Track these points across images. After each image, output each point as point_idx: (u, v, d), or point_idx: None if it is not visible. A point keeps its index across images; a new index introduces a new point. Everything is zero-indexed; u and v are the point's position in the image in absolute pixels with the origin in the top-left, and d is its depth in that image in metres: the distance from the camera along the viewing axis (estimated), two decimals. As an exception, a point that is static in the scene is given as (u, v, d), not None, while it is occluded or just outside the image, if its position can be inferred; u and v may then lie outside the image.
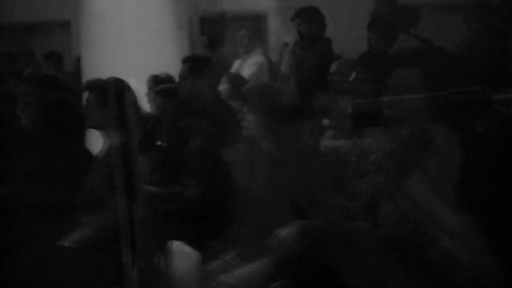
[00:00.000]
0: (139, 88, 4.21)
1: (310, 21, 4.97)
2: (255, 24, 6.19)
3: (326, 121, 4.10)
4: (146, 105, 4.50)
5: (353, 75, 2.72)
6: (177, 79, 4.58)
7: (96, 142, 3.63)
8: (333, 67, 3.83)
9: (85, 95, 3.48)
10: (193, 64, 4.16)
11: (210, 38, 6.44)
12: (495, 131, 2.64)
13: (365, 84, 2.66)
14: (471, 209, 2.63)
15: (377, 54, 2.72)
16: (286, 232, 2.66)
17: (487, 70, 4.25)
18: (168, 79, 4.60)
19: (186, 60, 4.22)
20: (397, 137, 2.29)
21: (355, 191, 2.63)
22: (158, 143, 4.18)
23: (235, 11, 8.64)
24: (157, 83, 4.53)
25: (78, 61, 5.86)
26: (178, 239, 3.29)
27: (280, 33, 6.29)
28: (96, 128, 3.47)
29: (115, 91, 3.43)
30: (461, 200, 2.72)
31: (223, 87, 4.66)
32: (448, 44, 5.07)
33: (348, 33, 5.36)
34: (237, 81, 4.57)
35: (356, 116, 1.96)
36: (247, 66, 5.26)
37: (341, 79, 3.45)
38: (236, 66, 5.43)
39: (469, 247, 2.11)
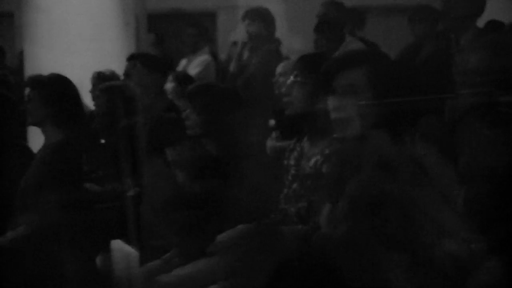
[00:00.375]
0: (83, 85, 4.16)
1: (259, 22, 4.98)
2: (203, 22, 6.16)
3: (272, 122, 4.12)
4: (90, 102, 4.44)
5: (291, 78, 2.72)
6: (122, 77, 4.53)
7: (37, 139, 3.56)
8: (279, 68, 3.85)
9: (27, 91, 3.41)
10: (139, 62, 4.12)
11: (157, 36, 6.39)
12: (501, 133, 2.72)
13: (302, 87, 2.67)
14: (477, 212, 2.68)
15: (318, 56, 2.72)
16: (226, 236, 2.68)
17: (431, 74, 4.33)
18: (112, 76, 4.55)
19: (132, 58, 4.19)
20: (339, 141, 2.32)
21: (295, 195, 2.65)
22: (102, 141, 4.13)
23: (184, 9, 8.62)
24: (102, 80, 4.47)
25: (20, 56, 5.74)
26: (118, 238, 3.26)
27: (231, 32, 6.29)
28: (37, 125, 3.41)
29: (57, 88, 3.37)
30: (468, 203, 2.78)
31: (169, 85, 4.64)
32: (394, 47, 5.17)
33: (300, 34, 5.40)
34: (183, 79, 4.54)
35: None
36: (193, 65, 5.25)
37: (285, 80, 3.47)
38: (183, 64, 5.40)
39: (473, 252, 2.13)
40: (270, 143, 4.20)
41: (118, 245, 3.22)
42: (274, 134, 4.22)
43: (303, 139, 2.74)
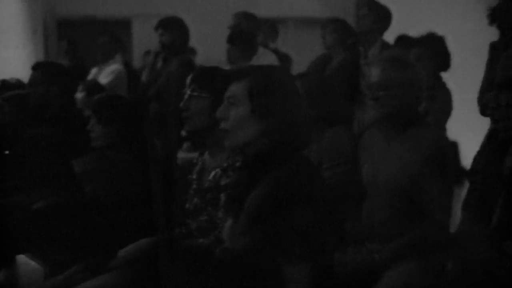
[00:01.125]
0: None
1: (172, 32, 4.94)
2: (115, 31, 6.07)
3: (183, 133, 4.09)
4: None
5: (188, 92, 2.71)
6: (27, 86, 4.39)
7: None
8: (188, 79, 3.83)
9: None
10: (45, 71, 4.00)
11: (69, 43, 6.26)
12: (399, 145, 2.75)
13: (200, 101, 2.66)
14: (379, 223, 2.71)
15: (213, 70, 2.71)
16: (128, 251, 2.64)
17: (340, 85, 4.41)
18: (17, 85, 4.41)
19: (37, 66, 4.06)
20: (238, 154, 2.31)
21: (196, 209, 2.63)
22: (6, 152, 3.99)
23: (98, 16, 8.48)
24: (6, 89, 4.33)
25: None
26: (22, 252, 3.16)
27: (145, 41, 6.22)
28: None
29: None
30: (366, 215, 2.80)
31: (79, 95, 4.54)
32: (307, 58, 5.24)
33: (215, 45, 5.40)
34: (93, 89, 4.46)
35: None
36: (104, 74, 5.15)
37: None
38: (93, 73, 5.30)
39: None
40: (181, 154, 4.18)
41: (22, 260, 3.12)
42: (185, 145, 4.20)
43: (204, 153, 2.73)
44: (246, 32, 4.81)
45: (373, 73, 2.85)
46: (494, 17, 3.32)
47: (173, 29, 4.94)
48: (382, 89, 2.78)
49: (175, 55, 4.90)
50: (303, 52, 6.25)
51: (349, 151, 3.17)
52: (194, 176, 2.70)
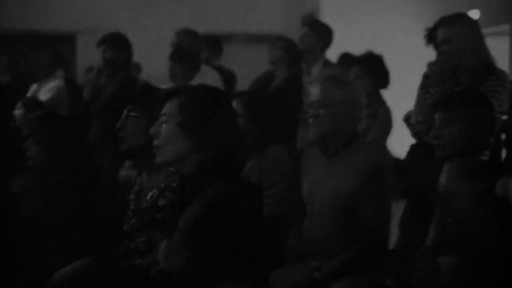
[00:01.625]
0: None
1: (115, 48, 4.87)
2: (59, 46, 5.96)
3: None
4: None
5: (125, 112, 2.69)
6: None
7: None
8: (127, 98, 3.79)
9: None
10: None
11: (9, 58, 6.13)
12: (339, 161, 2.76)
13: (136, 121, 2.64)
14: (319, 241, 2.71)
15: (149, 90, 2.70)
16: (64, 271, 2.60)
17: (283, 102, 4.44)
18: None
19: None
20: (175, 174, 2.30)
21: (134, 229, 2.60)
22: None
23: (41, 30, 8.34)
24: None
25: None
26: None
27: (90, 56, 6.13)
28: None
29: None
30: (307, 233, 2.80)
31: (18, 112, 4.44)
32: (252, 74, 5.26)
33: (160, 61, 5.36)
34: (32, 106, 4.36)
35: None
36: (44, 91, 5.05)
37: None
38: (33, 90, 5.19)
39: None
40: (123, 172, 4.11)
41: None
42: (127, 163, 4.14)
43: (142, 173, 2.70)
44: (188, 50, 4.77)
45: (313, 92, 2.87)
46: (431, 37, 3.40)
47: (116, 45, 4.87)
48: (321, 108, 2.81)
49: (118, 72, 4.83)
50: (248, 68, 6.27)
51: (290, 169, 3.17)
52: (132, 197, 2.67)
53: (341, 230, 2.79)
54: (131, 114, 2.63)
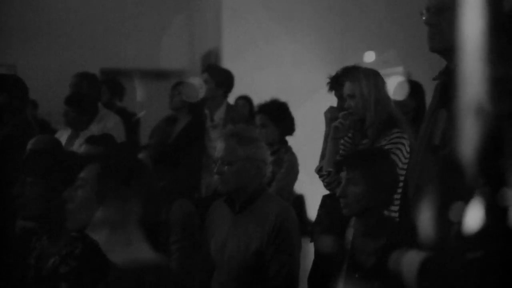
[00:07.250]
0: None
1: (10, 91, 4.62)
2: None
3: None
4: None
5: (22, 176, 2.55)
6: None
7: None
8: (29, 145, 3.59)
9: None
10: None
11: None
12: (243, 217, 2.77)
13: (35, 187, 2.50)
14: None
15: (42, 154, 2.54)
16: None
17: (185, 148, 4.37)
18: None
19: None
20: (78, 240, 2.18)
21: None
22: None
23: None
24: None
25: None
26: None
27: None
28: None
29: None
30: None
31: None
32: (160, 111, 5.18)
33: (59, 98, 5.14)
34: None
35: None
36: None
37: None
38: None
39: None
40: (20, 222, 3.90)
41: None
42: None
43: (43, 237, 2.53)
44: (86, 95, 4.56)
45: (218, 148, 2.89)
46: (332, 85, 3.43)
47: (11, 88, 4.64)
48: (225, 164, 2.83)
49: (12, 117, 4.60)
50: (153, 103, 6.22)
51: (195, 224, 3.14)
52: (32, 262, 2.48)
53: (248, 285, 2.79)
54: (29, 180, 2.41)
